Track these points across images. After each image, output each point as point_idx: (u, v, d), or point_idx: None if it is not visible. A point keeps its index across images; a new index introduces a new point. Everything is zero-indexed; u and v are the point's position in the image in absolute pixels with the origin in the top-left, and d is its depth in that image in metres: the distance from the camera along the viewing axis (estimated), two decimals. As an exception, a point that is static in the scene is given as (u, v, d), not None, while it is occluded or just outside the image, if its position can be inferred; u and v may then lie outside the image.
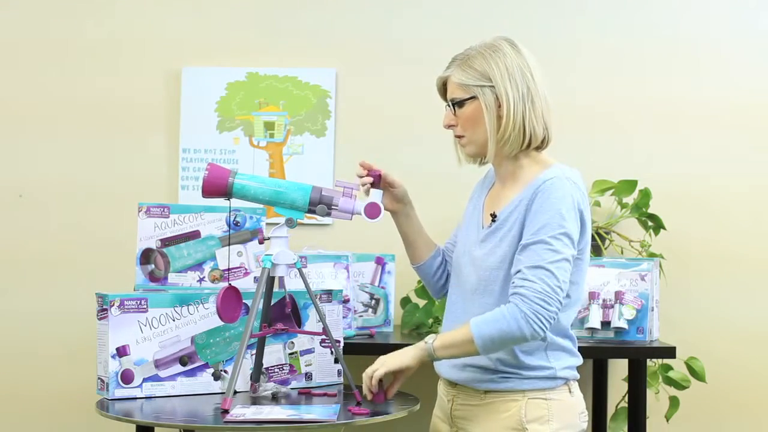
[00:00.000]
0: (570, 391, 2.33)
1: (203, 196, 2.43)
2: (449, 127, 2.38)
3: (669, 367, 3.26)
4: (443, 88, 2.40)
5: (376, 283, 3.26)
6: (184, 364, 2.56)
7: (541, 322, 2.19)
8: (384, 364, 2.33)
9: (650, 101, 3.52)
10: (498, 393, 2.30)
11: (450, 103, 2.36)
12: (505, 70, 2.31)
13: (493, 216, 2.35)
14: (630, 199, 3.39)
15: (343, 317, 2.89)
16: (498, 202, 2.37)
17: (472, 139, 2.35)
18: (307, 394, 2.57)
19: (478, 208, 2.43)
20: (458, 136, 2.38)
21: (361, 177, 2.47)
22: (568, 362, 2.33)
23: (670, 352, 2.97)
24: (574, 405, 2.34)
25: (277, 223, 2.45)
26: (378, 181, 2.45)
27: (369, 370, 2.35)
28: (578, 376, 2.36)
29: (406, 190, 2.52)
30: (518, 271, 2.23)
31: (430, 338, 2.30)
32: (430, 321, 3.27)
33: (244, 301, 2.52)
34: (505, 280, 2.28)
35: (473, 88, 2.32)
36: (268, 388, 2.50)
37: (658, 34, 3.53)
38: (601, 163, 3.46)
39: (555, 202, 2.25)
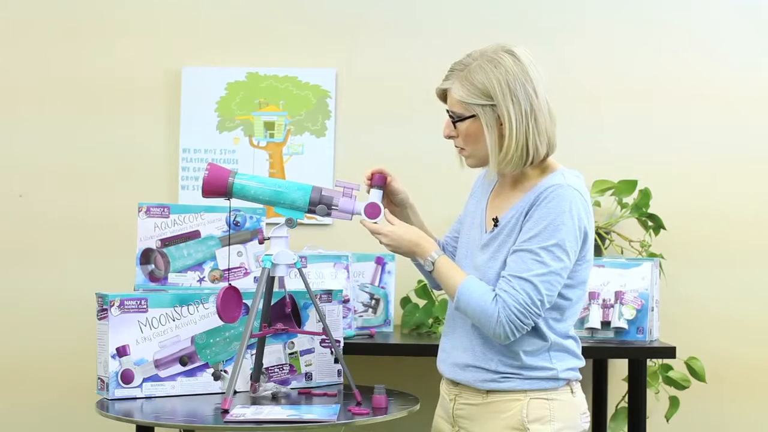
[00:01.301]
0: (572, 392, 2.33)
1: (203, 196, 2.43)
2: (449, 137, 2.34)
3: (669, 367, 3.26)
4: (443, 96, 2.35)
5: (376, 283, 3.26)
6: (184, 364, 2.56)
7: (512, 332, 2.21)
8: (388, 245, 2.35)
9: (650, 101, 3.52)
10: (500, 393, 2.30)
11: (450, 115, 2.33)
12: (507, 88, 2.23)
13: (496, 221, 2.34)
14: (630, 199, 3.39)
15: (343, 317, 2.89)
16: (500, 207, 2.36)
17: (473, 154, 2.33)
18: (307, 394, 2.57)
19: (480, 209, 2.42)
20: (459, 148, 2.35)
21: (368, 178, 2.46)
22: (571, 364, 2.33)
23: (670, 352, 2.97)
24: (576, 405, 2.34)
25: (277, 223, 2.45)
26: (383, 183, 2.44)
27: (372, 228, 2.36)
28: (580, 377, 2.35)
29: (408, 196, 2.51)
30: (504, 276, 2.23)
31: (437, 254, 2.32)
32: (430, 321, 3.27)
33: (244, 301, 2.52)
34: None
35: (474, 107, 2.26)
36: (268, 388, 2.50)
37: (659, 35, 3.53)
38: (601, 163, 3.46)
39: (552, 211, 2.23)
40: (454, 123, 2.31)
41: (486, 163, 2.33)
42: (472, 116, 2.27)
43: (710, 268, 3.48)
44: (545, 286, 2.20)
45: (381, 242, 2.37)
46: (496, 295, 2.22)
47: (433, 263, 2.32)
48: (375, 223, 2.40)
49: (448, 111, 2.33)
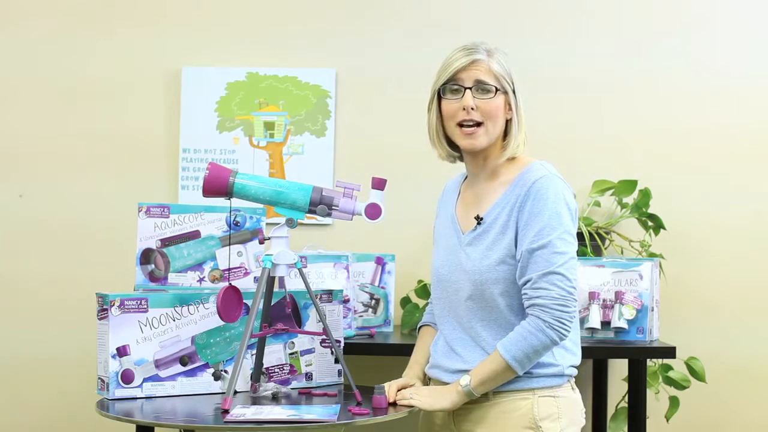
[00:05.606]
0: (572, 388, 2.36)
1: (204, 196, 2.43)
2: (471, 109, 2.33)
3: (669, 367, 3.26)
4: (467, 68, 2.34)
5: (376, 283, 3.26)
6: (184, 364, 2.56)
7: (565, 326, 2.24)
8: (421, 402, 2.34)
9: (651, 101, 3.52)
10: (507, 393, 2.31)
11: (476, 87, 2.33)
12: (515, 82, 2.37)
13: (478, 218, 2.35)
14: (630, 199, 3.39)
15: (343, 317, 2.89)
16: (479, 205, 2.38)
17: (490, 131, 2.36)
18: (307, 394, 2.57)
19: (449, 218, 2.45)
20: (477, 124, 2.34)
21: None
22: (571, 360, 2.36)
23: (670, 352, 2.97)
24: (577, 401, 2.38)
25: (277, 223, 2.45)
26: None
27: (404, 393, 2.36)
28: (576, 372, 2.38)
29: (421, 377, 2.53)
30: (529, 280, 2.24)
31: (464, 380, 2.30)
32: (430, 321, 3.27)
33: (244, 301, 2.52)
34: (505, 283, 2.29)
35: (505, 84, 2.34)
36: (268, 388, 2.50)
37: (660, 35, 3.53)
38: (601, 163, 3.46)
39: (550, 201, 2.26)
40: (484, 94, 2.33)
41: (489, 144, 2.34)
42: (504, 92, 2.35)
43: (710, 267, 3.48)
44: (570, 272, 2.25)
45: (418, 407, 2.35)
46: (527, 315, 2.25)
47: (470, 383, 2.29)
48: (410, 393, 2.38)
49: (470, 87, 2.33)
